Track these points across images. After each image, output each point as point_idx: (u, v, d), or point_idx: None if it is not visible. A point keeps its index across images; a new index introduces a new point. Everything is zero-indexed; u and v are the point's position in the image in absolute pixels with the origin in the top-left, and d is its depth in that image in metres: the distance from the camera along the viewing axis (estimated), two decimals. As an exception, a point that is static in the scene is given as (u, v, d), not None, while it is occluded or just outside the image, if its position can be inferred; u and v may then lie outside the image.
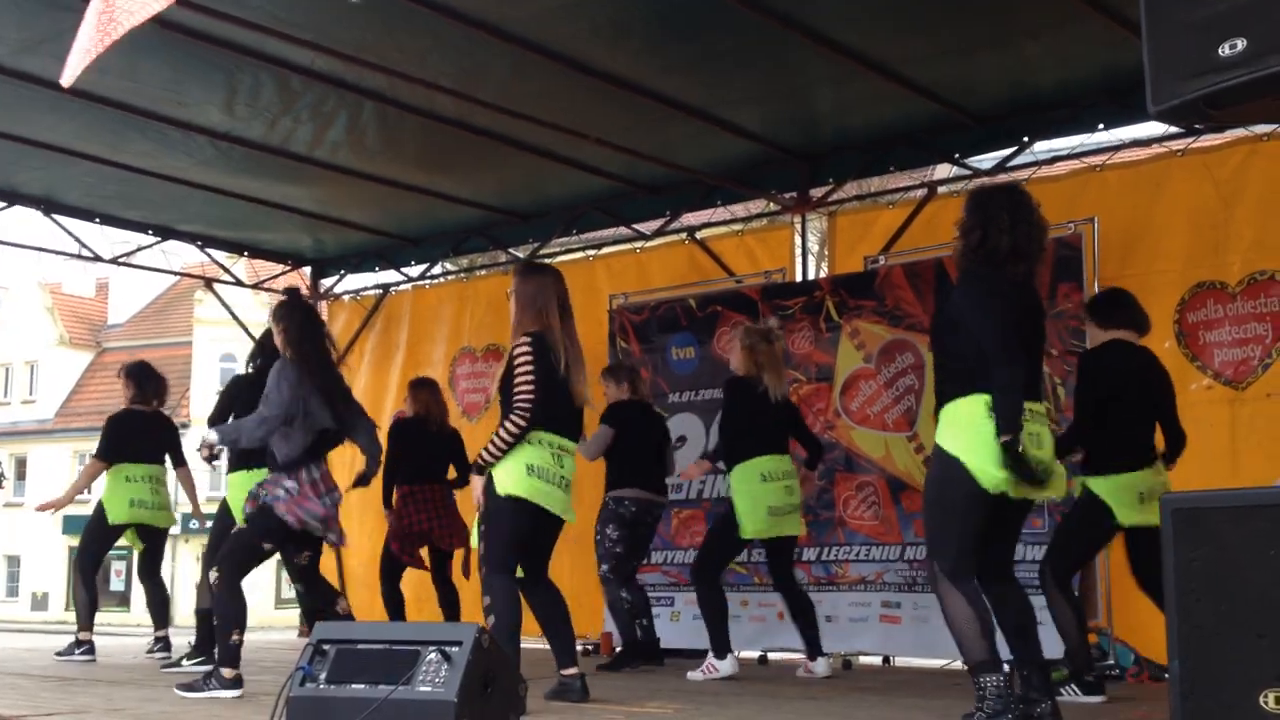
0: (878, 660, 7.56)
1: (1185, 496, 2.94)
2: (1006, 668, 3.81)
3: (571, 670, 4.77)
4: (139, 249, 10.05)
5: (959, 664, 7.25)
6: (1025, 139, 7.32)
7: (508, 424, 4.61)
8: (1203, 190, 6.61)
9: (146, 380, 7.62)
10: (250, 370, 6.46)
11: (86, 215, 9.21)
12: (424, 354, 9.83)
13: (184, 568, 33.61)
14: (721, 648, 6.09)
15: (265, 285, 11.25)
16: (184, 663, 6.74)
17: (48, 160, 8.00)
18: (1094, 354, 5.25)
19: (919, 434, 7.14)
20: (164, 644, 7.52)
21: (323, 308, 10.82)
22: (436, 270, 10.62)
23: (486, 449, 4.68)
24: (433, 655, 3.47)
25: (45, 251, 10.16)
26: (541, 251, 9.49)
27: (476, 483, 4.75)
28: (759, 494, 6.05)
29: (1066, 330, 6.54)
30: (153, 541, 7.66)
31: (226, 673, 4.99)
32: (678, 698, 5.07)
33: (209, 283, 11.27)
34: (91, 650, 7.28)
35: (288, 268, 10.80)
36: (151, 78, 6.62)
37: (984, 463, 3.73)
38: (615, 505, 6.77)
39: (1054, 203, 6.89)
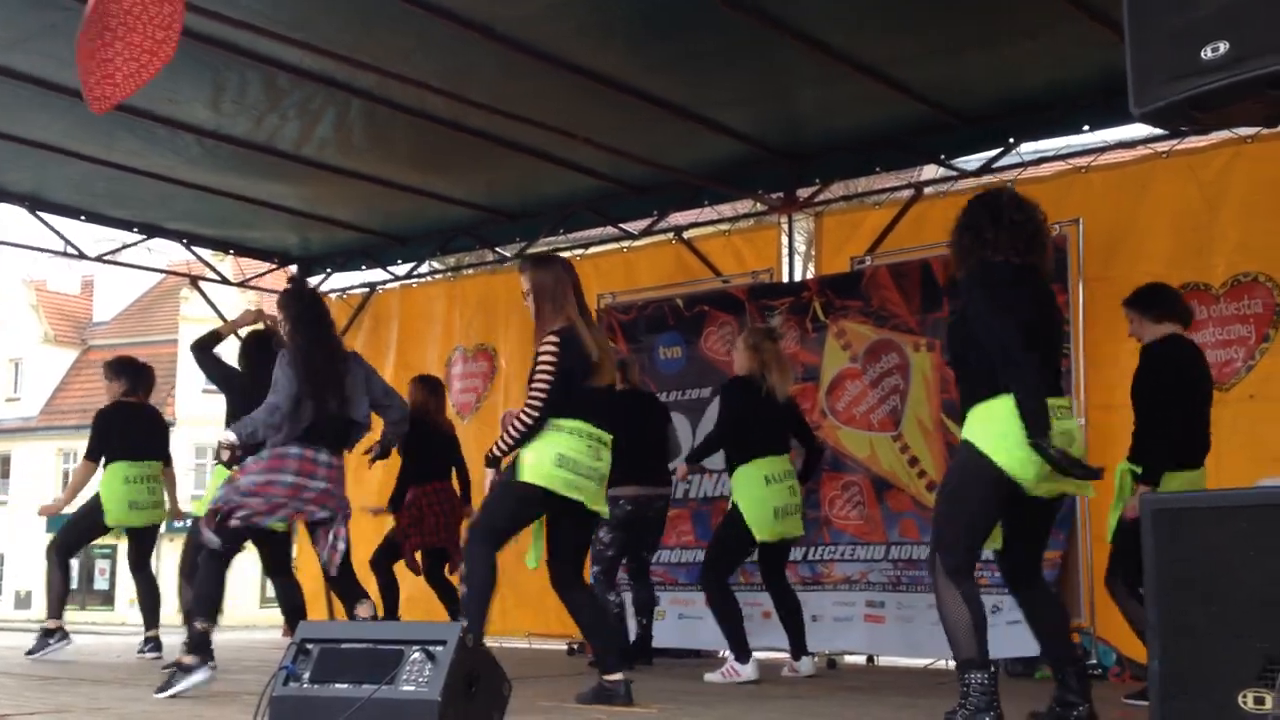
0: (862, 660, 7.58)
1: (1166, 497, 2.97)
2: (992, 668, 3.82)
3: (616, 676, 4.68)
4: (124, 246, 10.03)
5: (943, 663, 7.31)
6: (1011, 140, 7.34)
7: (521, 416, 4.59)
8: (1187, 192, 6.64)
9: (136, 373, 7.60)
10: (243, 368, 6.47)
11: (73, 213, 9.18)
12: (415, 353, 9.82)
13: (169, 567, 33.54)
14: (742, 651, 6.00)
15: (251, 283, 11.22)
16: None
17: (34, 158, 7.97)
18: (1162, 346, 5.20)
19: (904, 434, 7.17)
20: (154, 644, 7.46)
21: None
22: (424, 269, 10.61)
23: (498, 442, 4.68)
24: (416, 655, 3.46)
25: (31, 249, 10.13)
26: (529, 251, 9.49)
27: (488, 475, 4.74)
28: (765, 497, 6.01)
29: (1052, 331, 6.56)
30: (144, 538, 7.64)
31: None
32: (661, 697, 5.08)
33: (195, 281, 11.24)
34: (65, 635, 7.24)
35: (274, 266, 10.78)
36: (138, 75, 6.59)
37: (1019, 461, 3.70)
38: (610, 505, 6.70)
39: (1040, 204, 6.94)
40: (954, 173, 7.78)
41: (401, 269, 10.42)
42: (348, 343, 10.23)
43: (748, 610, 6.54)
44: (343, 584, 5.39)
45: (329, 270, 10.68)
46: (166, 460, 7.66)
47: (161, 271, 11.35)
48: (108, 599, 33.46)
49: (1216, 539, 2.80)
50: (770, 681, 6.09)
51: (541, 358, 4.61)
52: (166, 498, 7.65)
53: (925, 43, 6.32)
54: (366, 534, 8.87)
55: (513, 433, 4.62)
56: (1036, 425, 3.64)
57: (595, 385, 4.68)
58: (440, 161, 8.14)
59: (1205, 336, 6.35)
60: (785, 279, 8.26)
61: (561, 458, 4.54)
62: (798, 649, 6.22)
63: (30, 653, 7.24)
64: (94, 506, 7.37)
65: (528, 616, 8.43)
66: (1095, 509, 6.34)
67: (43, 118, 7.24)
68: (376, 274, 10.49)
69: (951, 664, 7.32)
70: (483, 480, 4.84)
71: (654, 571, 7.18)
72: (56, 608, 7.36)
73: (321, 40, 6.07)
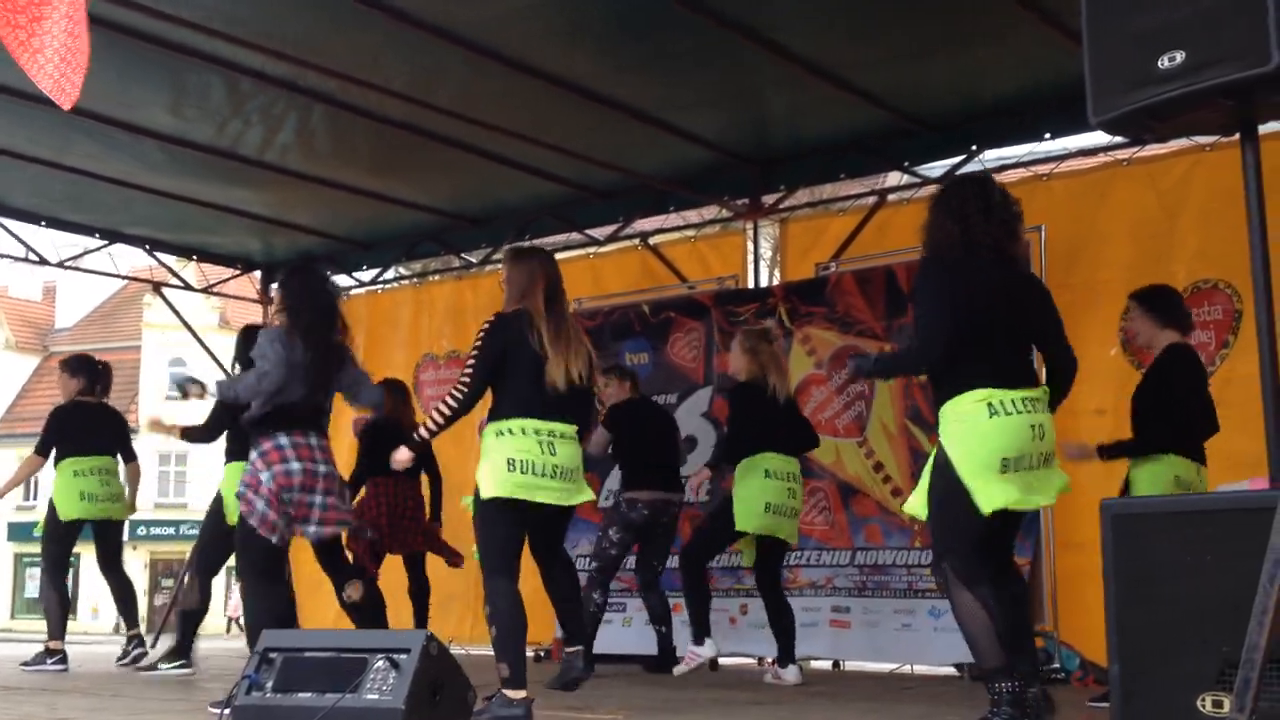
0: (828, 665, 7.60)
1: (1124, 502, 2.99)
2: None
3: (574, 648, 4.72)
4: (86, 252, 9.93)
5: (908, 669, 7.35)
6: (974, 147, 7.38)
7: (440, 404, 4.48)
8: (1145, 200, 6.71)
9: (94, 372, 7.48)
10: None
11: (32, 218, 9.09)
12: (383, 358, 9.75)
13: (133, 575, 33.20)
14: (702, 631, 6.13)
15: (214, 289, 11.14)
16: (160, 666, 6.66)
17: (-8, 163, 7.89)
18: (1179, 351, 5.20)
19: (869, 440, 7.20)
20: (138, 641, 7.36)
21: (271, 311, 10.73)
22: (389, 275, 10.57)
23: (425, 424, 4.55)
24: (380, 663, 3.45)
25: (-10, 255, 10.01)
26: (494, 257, 9.46)
27: (405, 452, 4.68)
28: (761, 488, 6.03)
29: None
30: (108, 534, 7.46)
31: None
32: (630, 702, 5.07)
33: (157, 286, 11.15)
34: (64, 660, 7.13)
35: (237, 272, 10.71)
36: (97, 79, 6.44)
37: (984, 485, 3.70)
38: (627, 508, 6.68)
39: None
40: (918, 179, 7.83)
41: (367, 275, 10.37)
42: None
43: (716, 616, 6.56)
44: (332, 562, 5.38)
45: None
46: (129, 457, 7.54)
47: (124, 278, 11.24)
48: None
49: (1176, 543, 2.82)
50: (738, 687, 6.10)
51: (473, 345, 4.49)
52: (127, 493, 7.51)
53: (888, 48, 6.36)
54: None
55: (437, 417, 4.49)
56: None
57: (545, 382, 4.43)
58: (404, 167, 8.11)
59: (1165, 342, 6.38)
60: (751, 285, 8.28)
61: (511, 462, 4.34)
62: (785, 656, 6.22)
63: (26, 664, 7.19)
64: (50, 513, 7.22)
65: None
66: (1059, 515, 6.38)
67: (1, 123, 7.16)
68: (342, 280, 10.42)
69: (916, 669, 7.39)
70: (405, 460, 4.72)
71: (620, 578, 7.15)
72: (57, 628, 7.20)
73: (284, 44, 6.04)
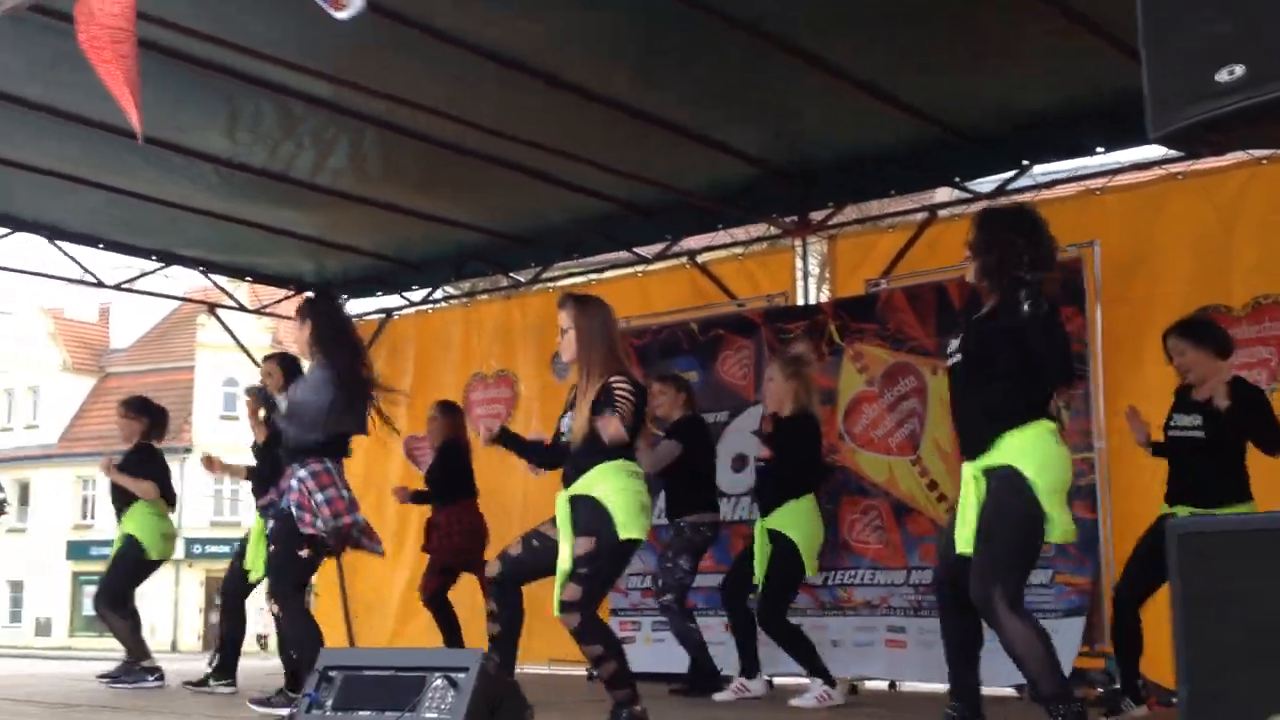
0: (884, 685, 7.53)
1: (1192, 522, 2.95)
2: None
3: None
4: (142, 274, 10.08)
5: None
6: (1025, 162, 7.33)
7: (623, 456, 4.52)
8: (1202, 213, 6.62)
9: (155, 415, 7.79)
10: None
11: (90, 241, 9.23)
12: (433, 378, 9.83)
13: (188, 593, 33.57)
14: (826, 676, 6.09)
15: (268, 310, 11.26)
16: (210, 683, 6.74)
17: (51, 187, 8.02)
18: (1247, 384, 5.20)
19: (922, 457, 7.15)
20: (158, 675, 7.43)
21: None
22: (439, 295, 10.64)
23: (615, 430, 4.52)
24: (438, 681, 3.47)
25: (48, 277, 10.18)
26: (543, 275, 9.50)
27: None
28: (817, 532, 6.17)
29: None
30: (151, 572, 7.69)
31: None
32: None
33: (212, 308, 11.29)
34: (162, 677, 7.31)
35: (290, 292, 10.81)
36: (154, 104, 6.58)
37: (1059, 513, 3.78)
38: (693, 533, 6.63)
39: (1055, 226, 6.88)
40: (968, 195, 7.78)
41: (417, 295, 10.44)
42: (364, 369, 10.39)
43: (764, 635, 6.53)
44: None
45: (345, 296, 10.69)
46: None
47: (178, 299, 11.41)
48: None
49: (1244, 563, 2.78)
50: (787, 708, 6.05)
51: (622, 396, 4.50)
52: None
53: (936, 62, 6.31)
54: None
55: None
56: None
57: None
58: (452, 187, 8.17)
59: (1228, 359, 6.31)
60: (800, 302, 8.26)
61: (644, 507, 4.49)
62: (750, 668, 6.36)
63: (104, 677, 7.31)
64: (133, 547, 7.39)
65: (548, 642, 8.39)
66: (1120, 536, 6.30)
67: (59, 147, 7.28)
68: (393, 300, 10.52)
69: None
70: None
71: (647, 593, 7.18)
72: (139, 648, 7.37)
73: (334, 68, 6.11)
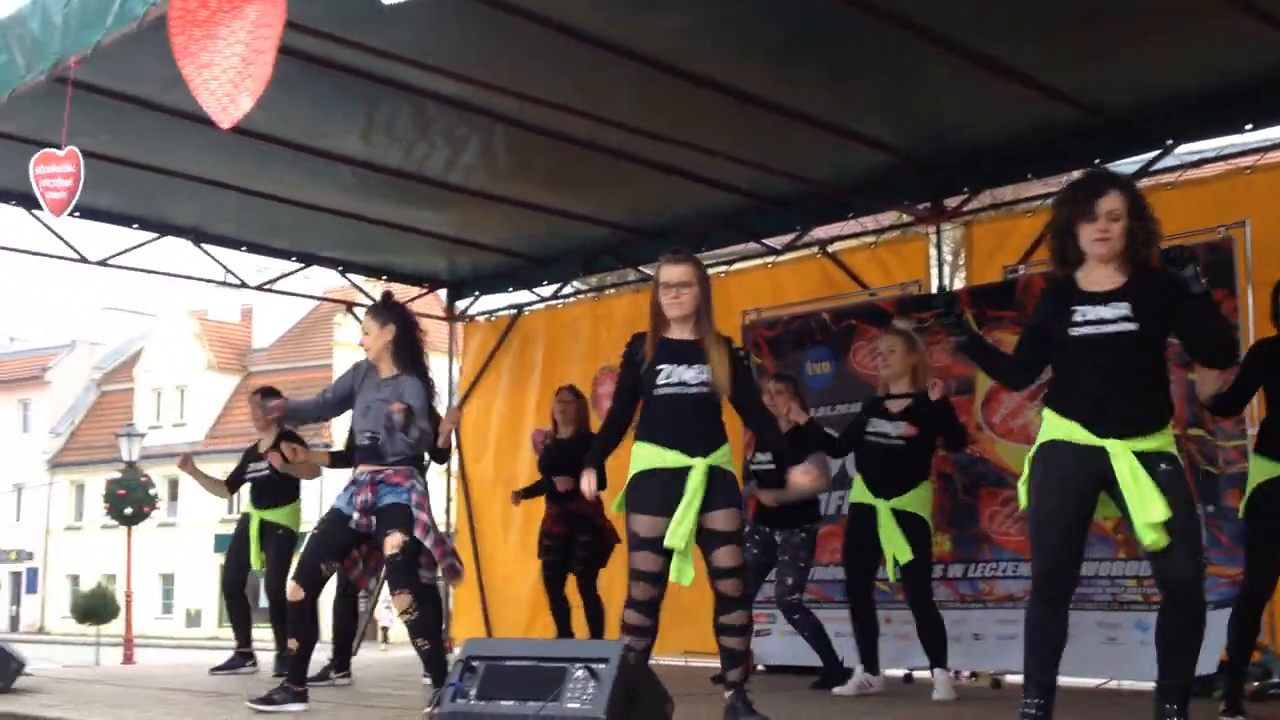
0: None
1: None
2: None
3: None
4: (283, 275, 10.37)
5: (1114, 684, 7.08)
6: (1169, 142, 7.10)
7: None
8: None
9: None
10: None
11: (233, 244, 9.53)
12: (560, 373, 9.89)
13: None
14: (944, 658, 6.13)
15: (402, 308, 11.48)
16: (331, 675, 6.90)
17: (197, 192, 8.30)
18: None
19: (1064, 446, 6.96)
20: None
21: (458, 329, 11.02)
22: (568, 290, 10.72)
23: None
24: (580, 672, 3.49)
25: (195, 279, 10.56)
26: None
27: None
28: None
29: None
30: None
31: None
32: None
33: (349, 306, 11.55)
34: (254, 660, 7.54)
35: (424, 290, 11.02)
36: (293, 108, 6.82)
37: None
38: (808, 534, 6.67)
39: (1202, 206, 6.70)
40: (1107, 177, 7.53)
41: (547, 290, 10.54)
42: (496, 364, 10.54)
43: (906, 629, 6.44)
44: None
45: (476, 293, 10.88)
46: None
47: (317, 299, 11.71)
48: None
49: None
50: (917, 700, 5.96)
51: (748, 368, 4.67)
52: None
53: (1074, 44, 6.16)
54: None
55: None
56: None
57: None
58: (581, 182, 8.23)
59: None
60: (934, 290, 8.12)
61: None
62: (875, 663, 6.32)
63: (215, 669, 7.54)
64: (290, 540, 7.51)
65: (684, 634, 8.41)
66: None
67: (203, 153, 7.51)
68: (523, 295, 10.64)
69: (1123, 684, 7.11)
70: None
71: (810, 590, 7.09)
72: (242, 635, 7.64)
73: (466, 67, 6.19)
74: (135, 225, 8.99)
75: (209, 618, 37.85)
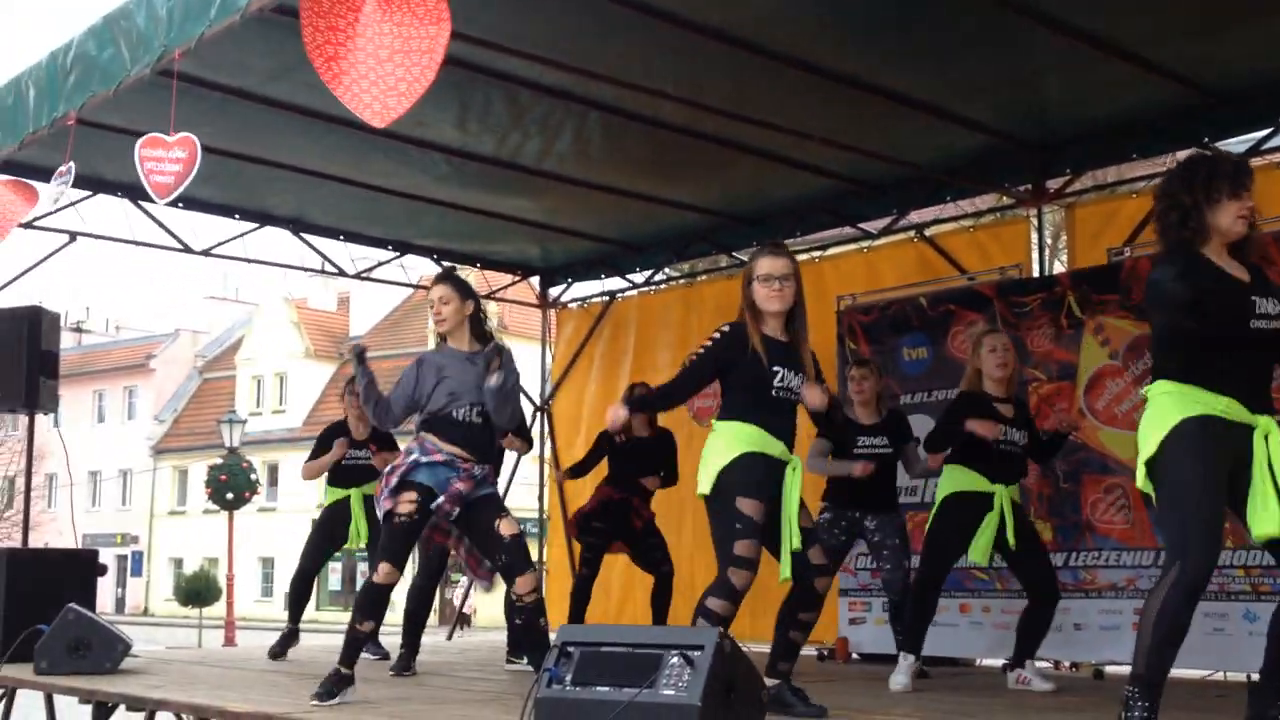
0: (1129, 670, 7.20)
1: None
2: None
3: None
4: (379, 264, 10.49)
5: (1220, 675, 6.89)
6: (1281, 119, 6.87)
7: None
8: None
9: None
10: None
11: (331, 233, 9.66)
12: (652, 359, 9.91)
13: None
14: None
15: (496, 295, 11.56)
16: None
17: (297, 182, 8.43)
18: None
19: (1171, 433, 6.78)
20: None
21: (551, 316, 11.06)
22: (660, 276, 10.70)
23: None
24: (675, 659, 3.47)
25: (294, 269, 10.73)
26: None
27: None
28: None
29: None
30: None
31: None
32: (923, 706, 4.94)
33: (443, 295, 11.64)
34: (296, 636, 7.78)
35: (517, 278, 11.08)
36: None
37: None
38: (904, 520, 6.84)
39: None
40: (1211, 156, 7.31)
41: (639, 277, 10.53)
42: (589, 351, 10.56)
43: (1006, 619, 6.33)
44: None
45: (570, 280, 10.90)
46: None
47: (412, 286, 11.80)
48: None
49: None
50: (1015, 691, 5.86)
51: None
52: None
53: (1178, 20, 5.98)
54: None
55: None
56: None
57: None
58: (675, 168, 8.19)
59: None
60: (1036, 274, 7.96)
61: None
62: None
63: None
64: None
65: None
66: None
67: (303, 144, 7.63)
68: (615, 282, 10.64)
69: (1228, 675, 6.91)
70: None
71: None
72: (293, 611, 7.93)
73: (559, 54, 6.20)
74: (236, 216, 9.15)
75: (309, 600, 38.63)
